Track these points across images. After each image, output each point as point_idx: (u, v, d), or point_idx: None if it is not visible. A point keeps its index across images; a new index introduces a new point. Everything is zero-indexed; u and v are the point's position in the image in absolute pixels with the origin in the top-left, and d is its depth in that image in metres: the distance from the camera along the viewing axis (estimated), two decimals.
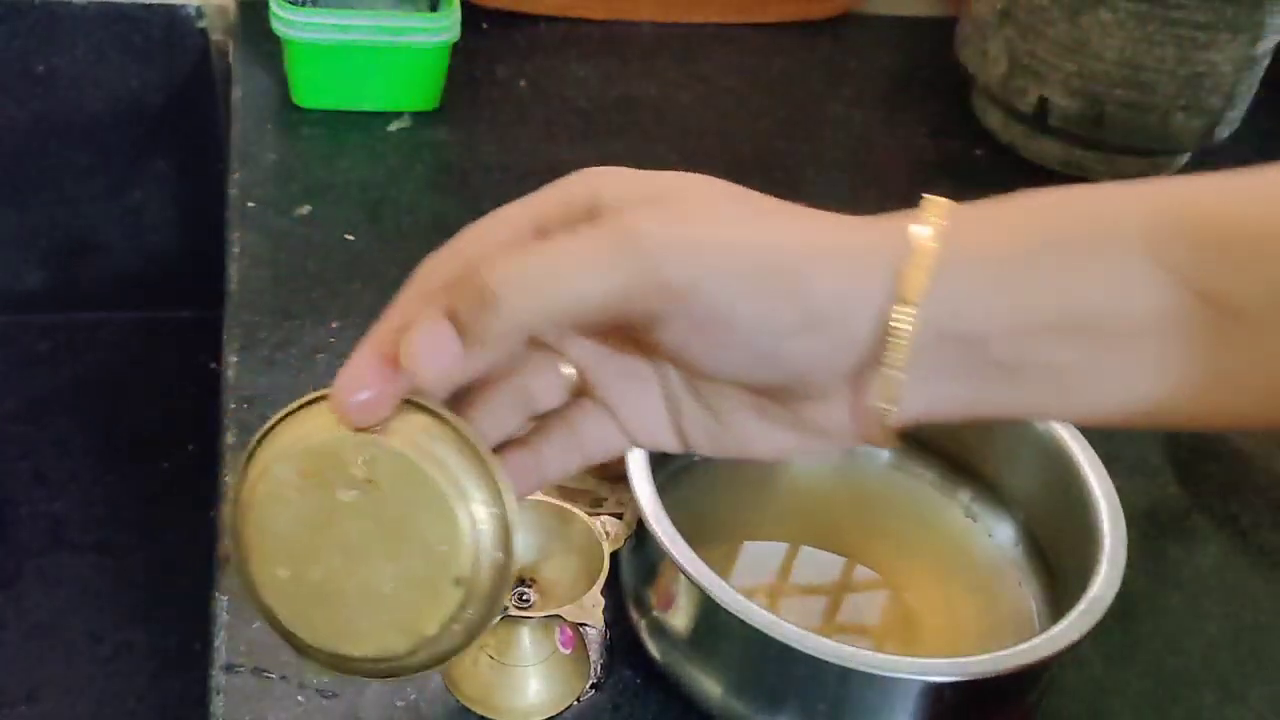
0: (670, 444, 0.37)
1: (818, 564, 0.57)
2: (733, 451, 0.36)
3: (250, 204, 0.74)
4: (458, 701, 0.49)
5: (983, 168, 0.89)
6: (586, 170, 0.34)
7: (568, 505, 0.48)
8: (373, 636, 0.33)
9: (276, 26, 0.78)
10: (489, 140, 0.83)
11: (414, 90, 0.83)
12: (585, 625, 0.46)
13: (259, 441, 0.34)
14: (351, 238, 0.73)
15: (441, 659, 0.34)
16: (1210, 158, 0.92)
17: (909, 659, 0.45)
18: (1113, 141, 0.86)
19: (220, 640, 0.51)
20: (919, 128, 0.92)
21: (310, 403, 0.34)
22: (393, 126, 0.83)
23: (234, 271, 0.69)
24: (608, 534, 0.47)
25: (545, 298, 0.31)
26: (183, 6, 0.93)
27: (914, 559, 0.56)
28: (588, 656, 0.51)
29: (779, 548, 0.56)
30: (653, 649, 0.49)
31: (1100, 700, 0.55)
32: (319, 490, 0.33)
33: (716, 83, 0.93)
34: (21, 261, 1.06)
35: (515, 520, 0.33)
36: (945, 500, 0.57)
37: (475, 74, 0.89)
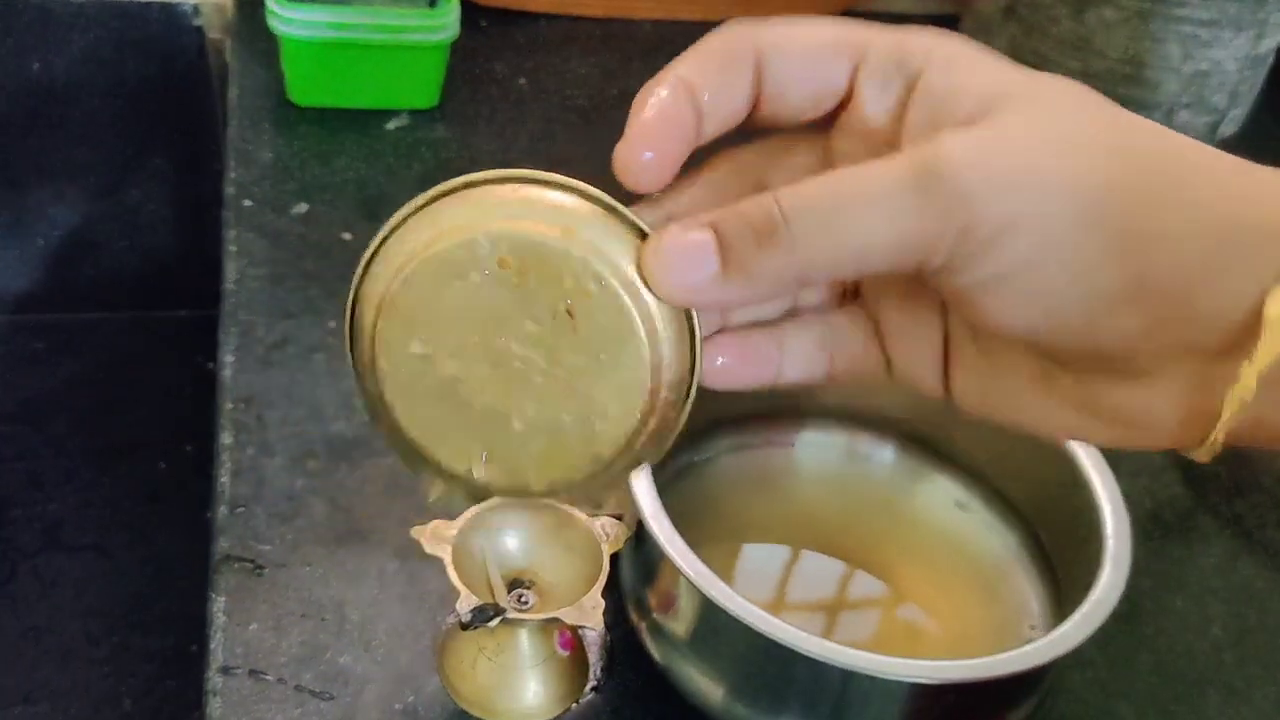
0: (931, 387, 0.31)
1: (818, 566, 0.56)
2: (1000, 416, 0.31)
3: (247, 202, 0.74)
4: (455, 704, 0.48)
5: None
6: (928, 31, 0.29)
7: (567, 506, 0.48)
8: (459, 455, 0.30)
9: (273, 24, 0.78)
10: (488, 138, 0.82)
11: (412, 88, 0.83)
12: (585, 627, 0.46)
13: (440, 194, 0.31)
14: (349, 236, 0.72)
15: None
16: None
17: (911, 661, 0.45)
18: None
19: (216, 642, 0.51)
20: None
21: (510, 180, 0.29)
22: (391, 125, 0.82)
23: (230, 270, 0.69)
24: (607, 536, 0.47)
25: (836, 245, 0.26)
26: (179, 4, 0.92)
27: (916, 560, 0.56)
28: (587, 659, 0.50)
29: (780, 550, 0.56)
30: (653, 651, 0.49)
31: (1105, 701, 0.55)
32: (505, 289, 0.28)
33: None
34: (17, 261, 1.05)
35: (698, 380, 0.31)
36: (947, 501, 0.57)
37: (474, 72, 0.88)
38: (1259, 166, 0.28)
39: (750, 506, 0.58)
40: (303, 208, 0.74)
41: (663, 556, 0.45)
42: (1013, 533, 0.56)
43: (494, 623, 0.44)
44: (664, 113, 0.29)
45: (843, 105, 0.30)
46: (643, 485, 0.47)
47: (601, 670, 0.51)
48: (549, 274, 0.29)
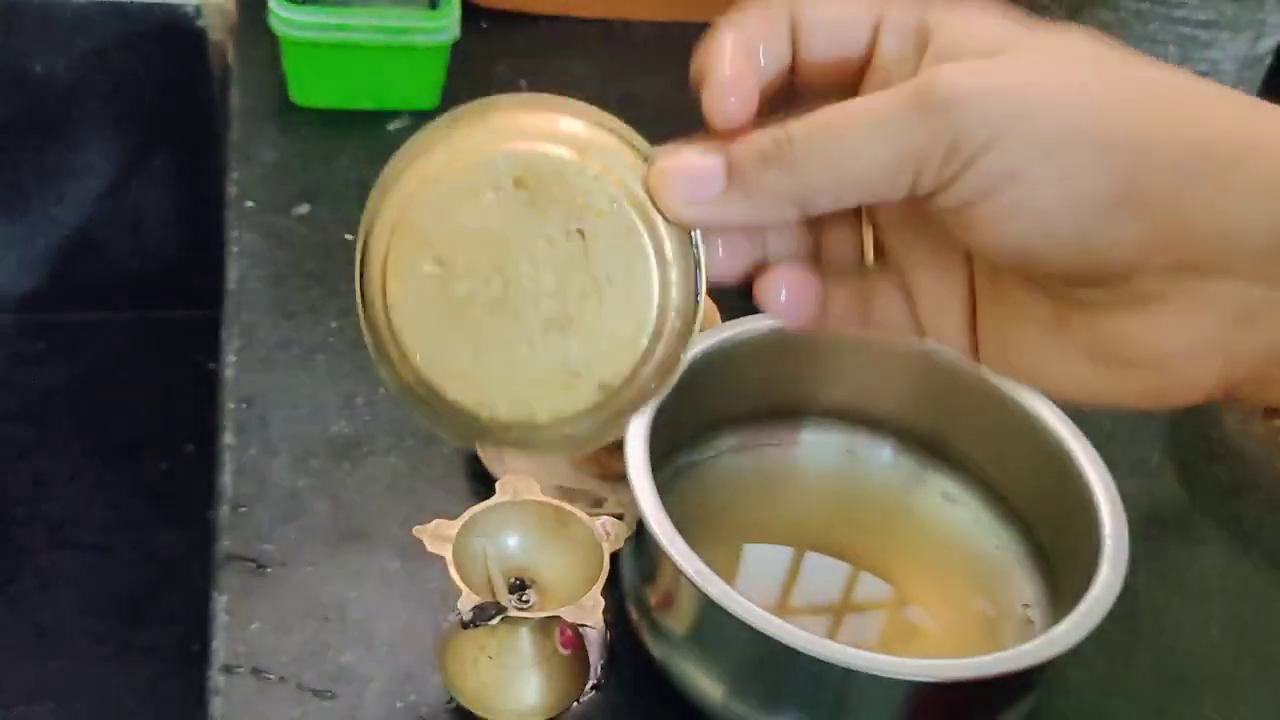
0: (961, 344, 0.32)
1: (818, 565, 0.57)
2: (1023, 375, 0.31)
3: (249, 203, 0.74)
4: (457, 702, 0.49)
5: None
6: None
7: (567, 506, 0.48)
8: (466, 385, 0.30)
9: (275, 25, 0.78)
10: None
11: (413, 89, 0.83)
12: (585, 626, 0.46)
13: (457, 119, 0.31)
14: (350, 237, 0.73)
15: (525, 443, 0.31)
16: None
17: (910, 659, 0.45)
18: None
19: (219, 641, 0.51)
20: None
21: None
22: (392, 126, 0.82)
23: (232, 271, 0.69)
24: (608, 534, 0.47)
25: (837, 165, 0.28)
26: (181, 6, 0.93)
27: (915, 559, 0.56)
28: (588, 657, 0.50)
29: (779, 549, 0.56)
30: (653, 650, 0.49)
31: (1102, 701, 0.55)
32: (519, 208, 0.29)
33: None
34: (20, 261, 1.06)
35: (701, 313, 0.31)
36: (946, 500, 0.57)
37: (474, 73, 0.88)
38: (1263, 103, 0.27)
39: (750, 506, 0.58)
40: (304, 208, 0.74)
41: (663, 555, 0.45)
42: (1011, 532, 0.56)
43: (495, 621, 0.44)
44: (735, 63, 0.31)
45: (866, 66, 0.31)
46: (643, 485, 0.47)
47: (602, 668, 0.51)
48: (562, 194, 0.29)
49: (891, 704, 0.45)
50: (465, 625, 0.44)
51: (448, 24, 0.80)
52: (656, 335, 0.30)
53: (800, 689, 0.45)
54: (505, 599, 0.46)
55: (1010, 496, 0.56)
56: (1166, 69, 0.28)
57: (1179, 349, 0.27)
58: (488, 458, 0.59)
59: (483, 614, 0.44)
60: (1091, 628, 0.45)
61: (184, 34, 0.94)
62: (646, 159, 0.30)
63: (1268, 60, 0.86)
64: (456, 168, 0.30)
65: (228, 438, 0.60)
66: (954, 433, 0.57)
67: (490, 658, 0.48)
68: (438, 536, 0.46)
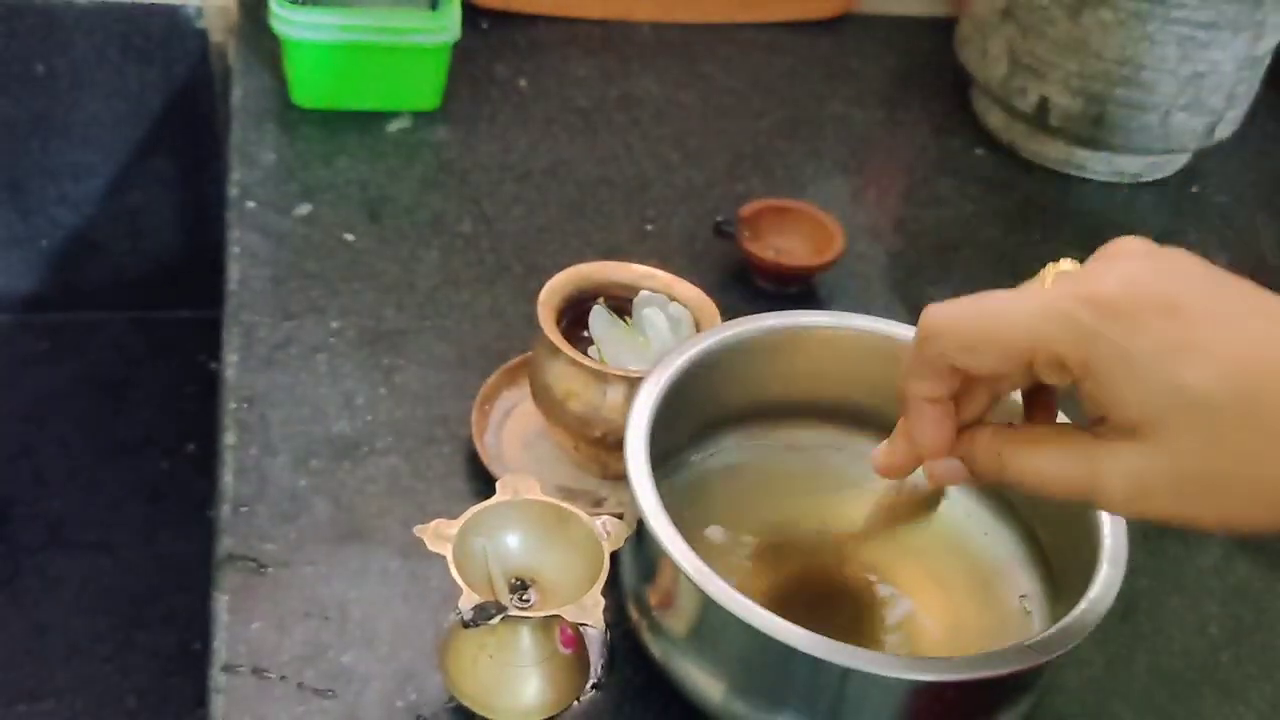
0: None
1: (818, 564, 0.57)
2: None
3: (250, 204, 0.74)
4: (457, 701, 0.49)
5: (983, 167, 0.89)
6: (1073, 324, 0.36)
7: (568, 505, 0.48)
8: None
9: (276, 26, 0.78)
10: (489, 140, 0.83)
11: (414, 90, 0.83)
12: (585, 625, 0.46)
13: None
14: (351, 237, 0.73)
15: None
16: (1211, 157, 0.92)
17: (909, 659, 0.45)
18: (1113, 141, 0.86)
19: (220, 640, 0.51)
20: (919, 127, 0.92)
21: None
22: (392, 126, 0.83)
23: (234, 271, 0.69)
24: (608, 534, 0.47)
25: (1027, 486, 0.39)
26: (182, 6, 0.93)
27: (915, 559, 0.56)
28: (588, 656, 0.50)
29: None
30: (653, 649, 0.49)
31: (1101, 700, 0.55)
32: None
33: (716, 82, 0.93)
34: (22, 261, 1.06)
35: None
36: (945, 501, 0.57)
37: (475, 74, 0.89)
38: None
39: (749, 504, 0.58)
40: (305, 209, 0.75)
41: (663, 555, 0.45)
42: (1010, 531, 0.56)
43: (495, 620, 0.44)
44: (906, 449, 0.44)
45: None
46: (643, 485, 0.47)
47: (602, 668, 0.51)
48: None
49: (891, 704, 0.45)
50: (466, 624, 0.44)
51: (448, 24, 0.80)
52: None
53: (800, 689, 0.45)
54: (505, 598, 0.46)
55: (1009, 496, 0.56)
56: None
57: None
58: (488, 458, 0.59)
59: (483, 613, 0.44)
60: (1090, 627, 0.45)
61: (185, 34, 0.94)
62: None
63: (1267, 60, 0.86)
64: None
65: (228, 437, 0.60)
66: None
67: (491, 657, 0.48)
68: (438, 536, 0.46)
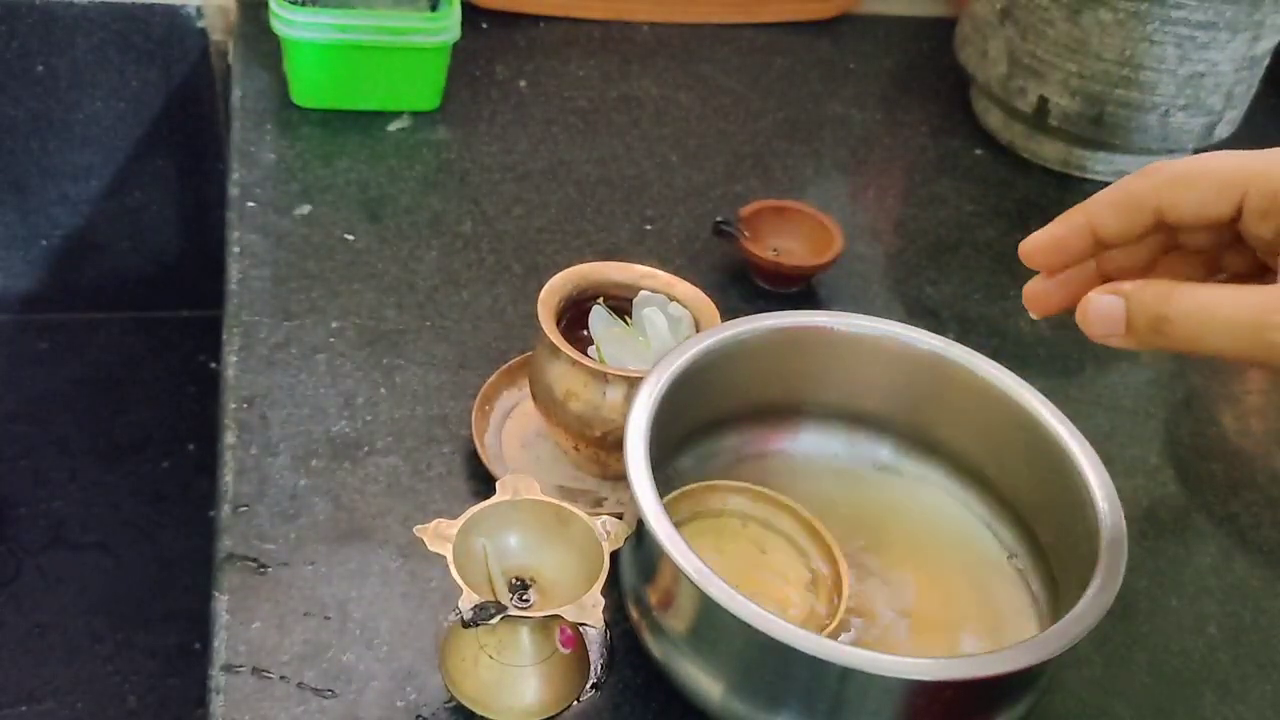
0: None
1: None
2: None
3: (250, 204, 0.74)
4: (457, 701, 0.49)
5: (983, 167, 0.89)
6: None
7: (568, 505, 0.48)
8: None
9: (276, 26, 0.78)
10: (489, 140, 0.83)
11: (414, 90, 0.83)
12: (585, 625, 0.46)
13: None
14: (351, 237, 0.73)
15: None
16: None
17: (909, 659, 0.45)
18: (1113, 141, 0.86)
19: (220, 640, 0.51)
20: (919, 128, 0.92)
21: None
22: (392, 126, 0.83)
23: (234, 271, 0.69)
24: (608, 534, 0.47)
25: (1199, 344, 0.38)
26: (182, 6, 0.93)
27: (914, 559, 0.56)
28: (588, 656, 0.51)
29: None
30: (653, 649, 0.49)
31: (1100, 700, 0.55)
32: None
33: (716, 83, 0.93)
34: (22, 261, 1.06)
35: None
36: (945, 499, 0.57)
37: (475, 74, 0.89)
38: None
39: (751, 505, 0.58)
40: (305, 209, 0.75)
41: (662, 555, 0.45)
42: (1010, 531, 0.56)
43: (495, 620, 0.44)
44: (1055, 241, 0.43)
45: (1234, 221, 0.40)
46: (643, 485, 0.47)
47: (602, 667, 0.52)
48: None
49: (890, 703, 0.45)
50: (466, 624, 0.44)
51: (448, 25, 0.80)
52: None
53: (799, 688, 0.45)
54: (505, 598, 0.46)
55: (1009, 496, 0.56)
56: None
57: None
58: (488, 458, 0.59)
59: (483, 613, 0.44)
60: (1089, 627, 0.45)
61: (185, 34, 0.94)
62: None
63: (1266, 61, 0.86)
64: None
65: (229, 437, 0.60)
66: (953, 432, 0.57)
67: (490, 657, 0.48)
68: (438, 536, 0.46)
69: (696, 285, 0.59)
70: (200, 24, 0.94)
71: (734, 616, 0.43)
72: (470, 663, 0.48)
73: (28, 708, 0.89)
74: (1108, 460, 0.51)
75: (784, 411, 0.59)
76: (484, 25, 0.93)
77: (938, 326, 0.72)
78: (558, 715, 0.49)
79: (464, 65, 0.87)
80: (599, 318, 0.59)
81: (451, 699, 0.49)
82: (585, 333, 0.59)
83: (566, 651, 0.49)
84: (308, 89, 0.81)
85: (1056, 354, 0.74)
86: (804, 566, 0.53)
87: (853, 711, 0.45)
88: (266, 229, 0.73)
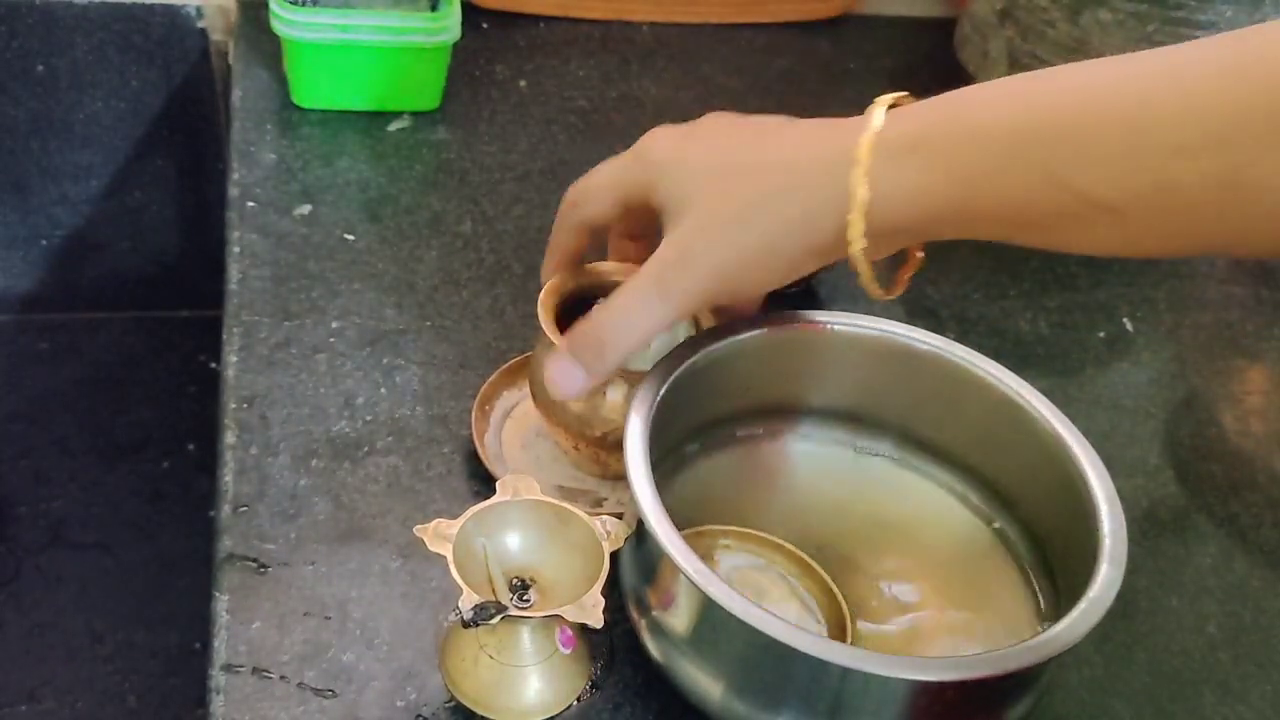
0: None
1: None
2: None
3: (250, 204, 0.74)
4: (457, 701, 0.49)
5: None
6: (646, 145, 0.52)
7: (568, 505, 0.48)
8: None
9: (276, 26, 0.78)
10: (489, 140, 0.83)
11: (414, 90, 0.83)
12: (585, 625, 0.46)
13: None
14: (351, 237, 0.73)
15: None
16: None
17: (909, 658, 0.45)
18: None
19: (220, 640, 0.51)
20: None
21: None
22: (392, 126, 0.83)
23: (234, 271, 0.69)
24: (608, 534, 0.47)
25: (633, 343, 0.50)
26: (183, 6, 0.93)
27: (914, 558, 0.56)
28: (588, 656, 0.51)
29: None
30: (653, 649, 0.49)
31: (1101, 700, 0.55)
32: None
33: (716, 83, 0.93)
34: (22, 261, 1.06)
35: None
36: (945, 499, 0.57)
37: (475, 74, 0.89)
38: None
39: (750, 505, 0.58)
40: (305, 209, 0.75)
41: (662, 555, 0.45)
42: (1009, 531, 0.56)
43: (495, 620, 0.44)
44: (567, 257, 0.57)
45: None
46: (643, 485, 0.47)
47: (602, 668, 0.52)
48: None
49: (891, 703, 0.45)
50: (466, 624, 0.44)
51: (448, 25, 0.80)
52: None
53: (800, 688, 0.45)
54: (506, 598, 0.46)
55: (1008, 496, 0.56)
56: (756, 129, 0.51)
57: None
58: (488, 458, 0.59)
59: (483, 613, 0.44)
60: (1090, 626, 0.45)
61: (185, 34, 0.94)
62: None
63: None
64: None
65: (229, 437, 0.60)
66: (952, 432, 0.57)
67: (491, 657, 0.48)
68: (438, 536, 0.46)
69: None
70: (200, 24, 0.94)
71: (734, 616, 0.43)
72: (470, 663, 0.48)
73: (28, 708, 0.89)
74: (1108, 460, 0.51)
75: (784, 411, 0.59)
76: (484, 25, 0.93)
77: (938, 326, 0.72)
78: (558, 715, 0.49)
79: (464, 65, 0.87)
80: None
81: (451, 699, 0.49)
82: None
83: (566, 651, 0.49)
84: (308, 89, 0.81)
85: (1056, 354, 0.74)
86: (803, 609, 0.53)
87: (853, 711, 0.45)
88: (266, 229, 0.73)
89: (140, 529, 1.00)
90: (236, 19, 0.91)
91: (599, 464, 0.59)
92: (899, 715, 0.45)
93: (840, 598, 0.52)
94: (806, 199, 0.46)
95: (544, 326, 0.55)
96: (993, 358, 0.55)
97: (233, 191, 0.75)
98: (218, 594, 0.53)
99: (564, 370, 0.50)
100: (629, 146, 0.55)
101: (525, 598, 0.47)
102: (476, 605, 0.44)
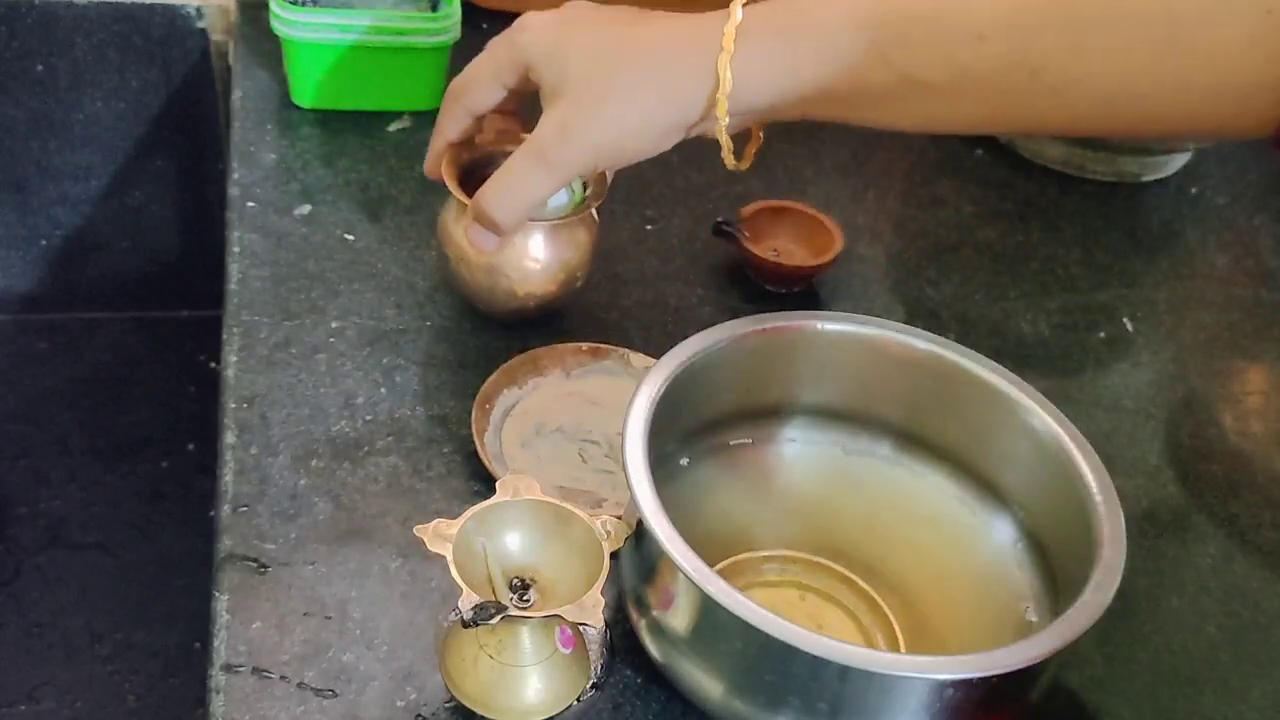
0: None
1: (816, 563, 0.57)
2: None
3: (250, 204, 0.74)
4: (457, 701, 0.49)
5: (983, 168, 0.89)
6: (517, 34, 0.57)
7: (568, 505, 0.48)
8: None
9: (276, 26, 0.78)
10: None
11: (414, 90, 0.83)
12: (585, 625, 0.46)
13: None
14: (351, 237, 0.73)
15: None
16: (1211, 158, 0.92)
17: (909, 657, 0.45)
18: (1113, 141, 0.86)
19: (220, 640, 0.51)
20: None
21: None
22: (392, 127, 0.83)
23: (234, 271, 0.69)
24: (608, 534, 0.47)
25: (529, 211, 0.58)
26: (182, 6, 0.93)
27: (913, 557, 0.56)
28: (588, 656, 0.51)
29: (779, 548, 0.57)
30: (653, 649, 0.49)
31: (1101, 699, 0.55)
32: None
33: None
34: (22, 261, 1.06)
35: None
36: (945, 499, 0.57)
37: None
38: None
39: (750, 505, 0.58)
40: (305, 209, 0.75)
41: (662, 554, 0.45)
42: (1009, 531, 0.56)
43: (495, 620, 0.44)
44: (438, 150, 0.63)
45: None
46: (643, 485, 0.47)
47: (602, 667, 0.52)
48: None
49: (891, 703, 0.45)
50: (466, 624, 0.44)
51: (449, 25, 0.80)
52: None
53: (798, 687, 0.45)
54: (506, 598, 0.46)
55: (1008, 496, 0.56)
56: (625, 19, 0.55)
57: None
58: (488, 458, 0.59)
59: (483, 613, 0.44)
60: (1089, 625, 0.45)
61: (185, 35, 0.94)
62: None
63: None
64: None
65: (229, 437, 0.60)
66: (952, 432, 0.57)
67: (491, 657, 0.48)
68: (438, 536, 0.46)
69: (697, 285, 0.60)
70: (200, 24, 0.94)
71: (734, 616, 0.43)
72: (470, 663, 0.48)
73: (27, 708, 0.89)
74: (1108, 460, 0.51)
75: (783, 411, 0.59)
76: (484, 25, 0.93)
77: (938, 327, 0.72)
78: (558, 715, 0.49)
79: (464, 65, 0.87)
80: None
81: (451, 699, 0.49)
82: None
83: (566, 651, 0.49)
84: (308, 89, 0.81)
85: (1056, 354, 0.74)
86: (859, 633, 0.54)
87: (853, 711, 0.45)
88: (266, 229, 0.73)
89: (140, 529, 1.00)
90: (236, 19, 0.91)
91: (511, 311, 0.65)
92: (898, 714, 0.45)
93: (895, 625, 0.53)
94: (678, 80, 0.52)
95: (452, 190, 0.61)
96: (993, 358, 0.55)
97: (233, 191, 0.75)
98: (217, 594, 0.53)
99: (478, 233, 0.59)
100: None
101: (525, 598, 0.47)
102: (476, 605, 0.44)
